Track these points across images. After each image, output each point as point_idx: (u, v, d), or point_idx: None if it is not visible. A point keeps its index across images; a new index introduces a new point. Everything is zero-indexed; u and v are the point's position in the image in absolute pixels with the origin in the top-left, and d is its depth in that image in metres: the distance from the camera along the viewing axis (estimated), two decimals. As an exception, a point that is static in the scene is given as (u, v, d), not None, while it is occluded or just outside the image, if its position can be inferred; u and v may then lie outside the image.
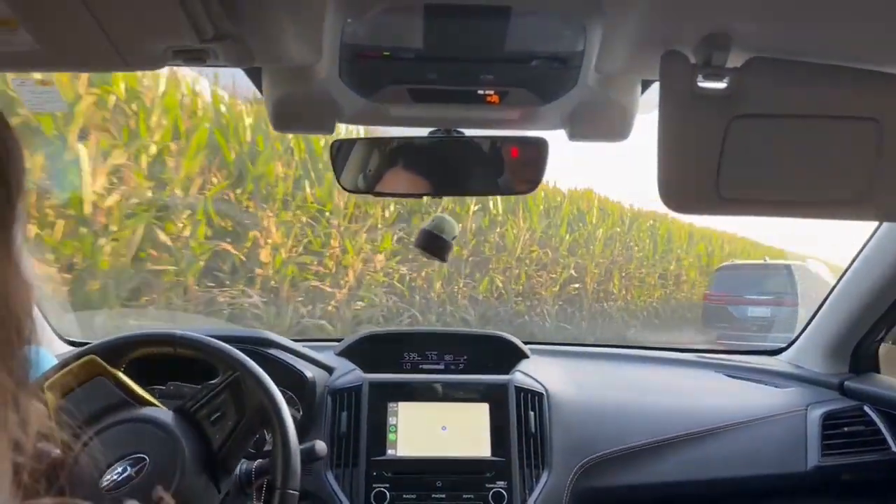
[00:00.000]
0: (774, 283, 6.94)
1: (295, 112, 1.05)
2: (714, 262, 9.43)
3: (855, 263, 1.65)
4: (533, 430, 1.50)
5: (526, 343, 1.83)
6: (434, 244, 1.30)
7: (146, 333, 1.28)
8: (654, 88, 1.07)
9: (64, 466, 0.97)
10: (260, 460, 1.21)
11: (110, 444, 1.11)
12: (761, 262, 7.92)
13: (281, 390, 1.25)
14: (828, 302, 1.74)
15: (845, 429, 1.57)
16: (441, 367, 1.76)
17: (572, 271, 7.79)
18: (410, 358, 1.76)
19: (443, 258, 1.30)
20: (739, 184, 0.92)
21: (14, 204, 0.48)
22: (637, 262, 8.88)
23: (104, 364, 1.16)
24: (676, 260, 9.58)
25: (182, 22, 0.78)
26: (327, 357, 1.67)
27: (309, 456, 1.25)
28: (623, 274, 8.56)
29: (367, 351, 1.75)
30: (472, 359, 1.76)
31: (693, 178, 0.92)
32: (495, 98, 0.97)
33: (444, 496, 1.43)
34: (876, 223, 1.57)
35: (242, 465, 1.20)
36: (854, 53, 0.87)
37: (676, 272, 9.49)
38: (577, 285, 7.84)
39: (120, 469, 1.08)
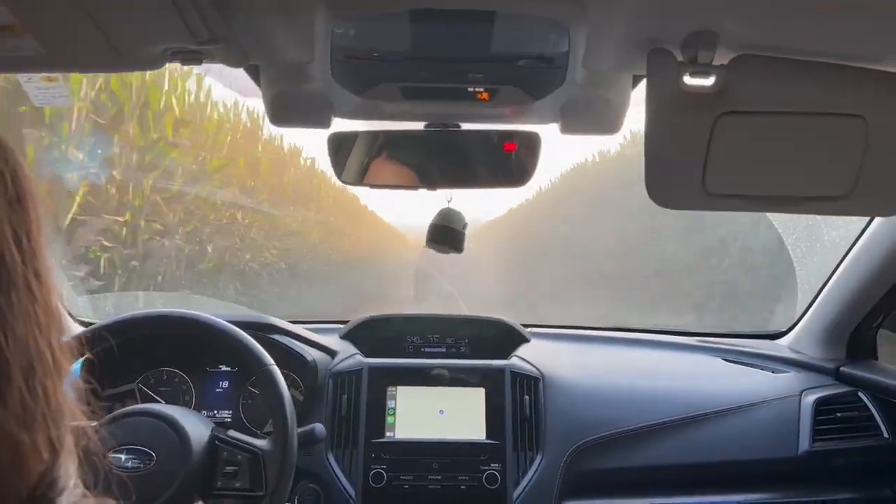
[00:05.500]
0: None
1: (291, 108, 1.08)
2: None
3: (853, 250, 1.65)
4: (528, 413, 1.54)
5: (527, 326, 1.86)
6: (447, 237, 1.31)
7: (169, 314, 1.35)
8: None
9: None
10: None
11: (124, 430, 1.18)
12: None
13: (284, 373, 1.30)
14: (826, 288, 1.75)
15: (838, 414, 1.59)
16: (442, 350, 1.79)
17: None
18: (412, 341, 1.80)
19: (458, 249, 1.32)
20: (726, 180, 0.93)
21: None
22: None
23: None
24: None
25: (177, 26, 0.80)
26: (331, 340, 1.71)
27: (308, 438, 1.30)
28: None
29: (370, 334, 1.79)
30: (473, 343, 1.80)
31: (679, 175, 0.94)
32: (485, 95, 0.99)
33: (439, 477, 1.47)
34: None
35: None
36: (841, 51, 0.88)
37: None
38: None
39: (124, 458, 1.14)
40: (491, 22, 0.83)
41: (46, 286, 0.51)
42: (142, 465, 1.17)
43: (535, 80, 0.97)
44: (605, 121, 1.10)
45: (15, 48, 0.82)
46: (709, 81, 0.88)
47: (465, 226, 1.32)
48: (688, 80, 0.89)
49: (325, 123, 1.10)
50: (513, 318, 1.85)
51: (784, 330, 1.95)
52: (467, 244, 1.32)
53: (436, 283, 10.08)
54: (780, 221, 2.16)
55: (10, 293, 0.47)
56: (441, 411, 1.55)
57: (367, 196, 11.60)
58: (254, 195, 6.27)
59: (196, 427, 1.24)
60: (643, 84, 1.08)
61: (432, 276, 10.17)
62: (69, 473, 0.51)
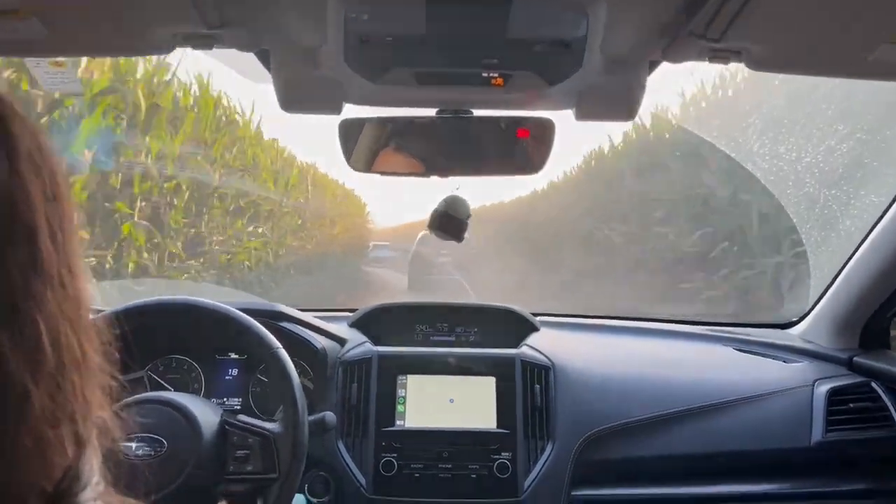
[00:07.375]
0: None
1: (302, 93, 1.06)
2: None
3: (868, 240, 1.63)
4: (538, 402, 1.53)
5: (536, 315, 1.85)
6: (450, 225, 1.30)
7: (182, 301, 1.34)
8: (661, 69, 1.07)
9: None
10: None
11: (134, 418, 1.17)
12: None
13: (294, 361, 1.29)
14: (840, 277, 1.73)
15: (851, 405, 1.58)
16: (452, 339, 1.79)
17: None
18: (422, 329, 1.79)
19: (459, 238, 1.31)
20: None
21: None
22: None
23: None
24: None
25: (188, 9, 0.79)
26: (340, 328, 1.70)
27: (319, 426, 1.30)
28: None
29: (380, 322, 1.78)
30: (482, 331, 1.79)
31: None
32: (500, 81, 0.97)
33: (450, 466, 1.47)
34: (886, 205, 1.55)
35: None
36: None
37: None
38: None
39: (135, 446, 1.14)
40: (507, 5, 0.81)
41: (79, 281, 0.51)
42: (153, 453, 1.16)
43: (551, 66, 0.95)
44: (621, 107, 1.08)
45: (17, 31, 0.80)
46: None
47: (468, 216, 1.31)
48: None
49: (337, 109, 1.09)
50: (522, 307, 1.84)
51: (796, 319, 1.93)
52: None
53: (435, 270, 9.97)
54: (795, 210, 2.15)
55: (45, 287, 0.47)
56: (451, 400, 1.54)
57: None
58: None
59: (206, 413, 1.23)
60: (659, 70, 1.07)
61: (431, 261, 10.04)
62: (93, 469, 0.51)
